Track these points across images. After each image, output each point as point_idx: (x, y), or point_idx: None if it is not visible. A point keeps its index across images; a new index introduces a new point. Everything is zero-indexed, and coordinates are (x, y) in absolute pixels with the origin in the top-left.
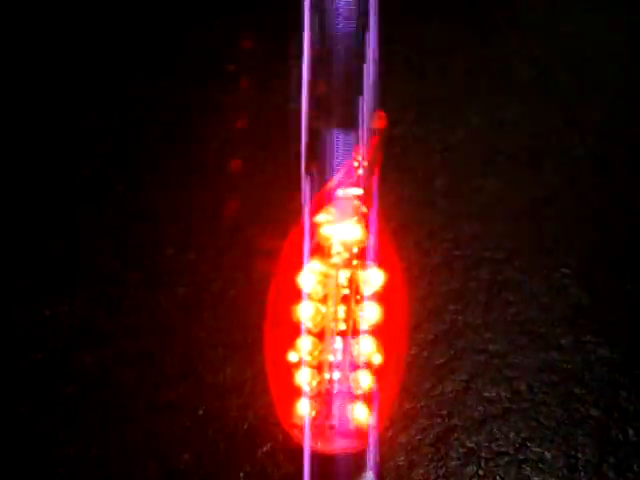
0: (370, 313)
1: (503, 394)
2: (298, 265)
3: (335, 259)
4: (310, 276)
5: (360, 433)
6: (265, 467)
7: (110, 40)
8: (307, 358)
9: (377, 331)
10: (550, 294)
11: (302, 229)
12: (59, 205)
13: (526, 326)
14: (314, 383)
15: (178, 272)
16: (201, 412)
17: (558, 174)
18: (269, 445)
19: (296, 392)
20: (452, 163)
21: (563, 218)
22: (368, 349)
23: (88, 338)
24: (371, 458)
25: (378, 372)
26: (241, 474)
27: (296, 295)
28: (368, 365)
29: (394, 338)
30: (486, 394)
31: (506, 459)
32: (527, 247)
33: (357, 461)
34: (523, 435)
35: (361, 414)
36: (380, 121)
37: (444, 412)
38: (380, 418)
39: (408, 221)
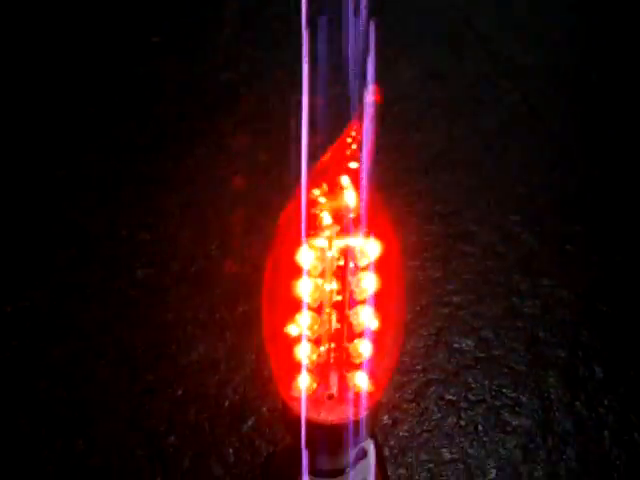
0: (366, 283)
1: (472, 344)
2: (294, 240)
3: (328, 232)
4: (308, 251)
5: (359, 401)
6: (253, 441)
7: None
8: (307, 332)
9: (374, 300)
10: (503, 243)
11: (297, 204)
12: (10, 200)
13: (485, 276)
14: (313, 356)
15: (135, 254)
16: (180, 393)
17: (495, 122)
18: (253, 419)
19: (295, 366)
20: (388, 119)
21: (505, 166)
22: (366, 318)
23: (54, 331)
24: (369, 426)
25: (376, 340)
26: (230, 450)
27: (293, 270)
28: (366, 334)
29: (391, 306)
30: (456, 345)
31: (484, 407)
32: (474, 198)
33: (356, 430)
34: (497, 382)
35: (360, 382)
36: (375, 95)
37: (419, 367)
38: (379, 386)
39: None
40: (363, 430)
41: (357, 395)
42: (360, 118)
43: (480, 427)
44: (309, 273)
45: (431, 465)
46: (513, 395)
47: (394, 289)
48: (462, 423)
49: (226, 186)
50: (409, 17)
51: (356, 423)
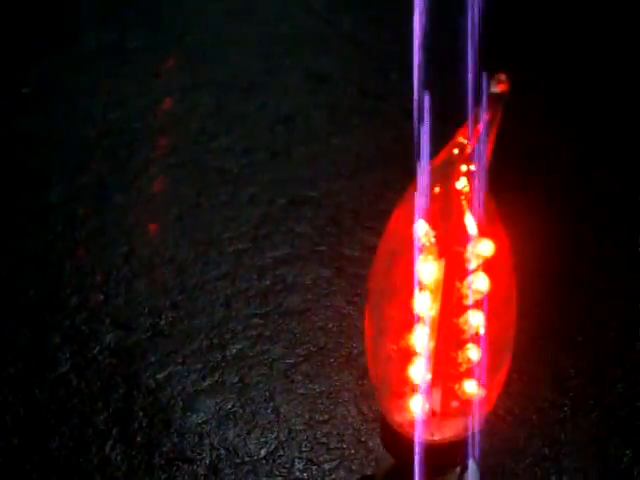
0: (478, 285)
1: None
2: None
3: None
4: (422, 263)
5: (473, 412)
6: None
7: None
8: (417, 349)
9: (485, 303)
10: None
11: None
12: None
13: None
14: (425, 374)
15: None
16: None
17: None
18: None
19: (402, 386)
20: None
21: None
22: (476, 322)
23: None
24: (474, 445)
25: (487, 347)
26: None
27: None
28: (476, 339)
29: (502, 310)
30: None
31: None
32: None
33: (472, 444)
34: None
35: (473, 390)
36: (501, 84)
37: None
38: (490, 397)
39: None
40: (477, 443)
41: (469, 406)
42: (483, 111)
43: None
44: (423, 287)
45: None
46: None
47: (505, 292)
48: None
49: None
50: None
51: (472, 436)
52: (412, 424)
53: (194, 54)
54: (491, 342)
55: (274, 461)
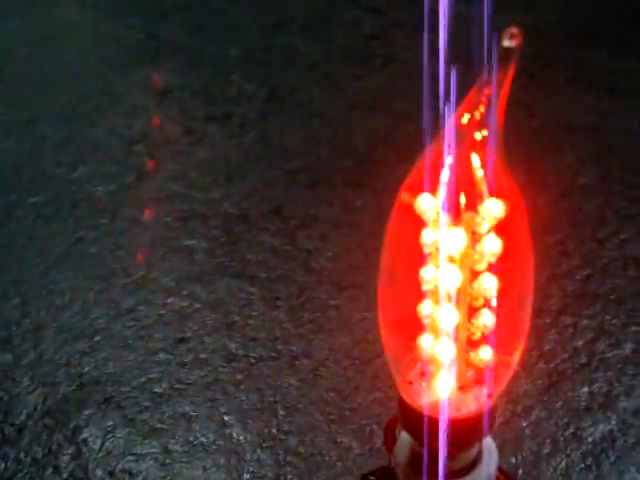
0: (490, 248)
1: None
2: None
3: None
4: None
5: (489, 381)
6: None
7: None
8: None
9: (498, 267)
10: None
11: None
12: None
13: None
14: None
15: None
16: None
17: None
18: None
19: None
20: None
21: None
22: (490, 286)
23: None
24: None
25: (503, 311)
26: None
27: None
28: (490, 304)
29: (518, 272)
30: None
31: None
32: None
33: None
34: None
35: (486, 359)
36: (514, 38)
37: None
38: (508, 363)
39: None
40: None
41: (487, 374)
42: (495, 68)
43: None
44: (432, 257)
45: None
46: None
47: (521, 253)
48: None
49: None
50: None
51: (491, 410)
52: (437, 403)
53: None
54: (507, 306)
55: None
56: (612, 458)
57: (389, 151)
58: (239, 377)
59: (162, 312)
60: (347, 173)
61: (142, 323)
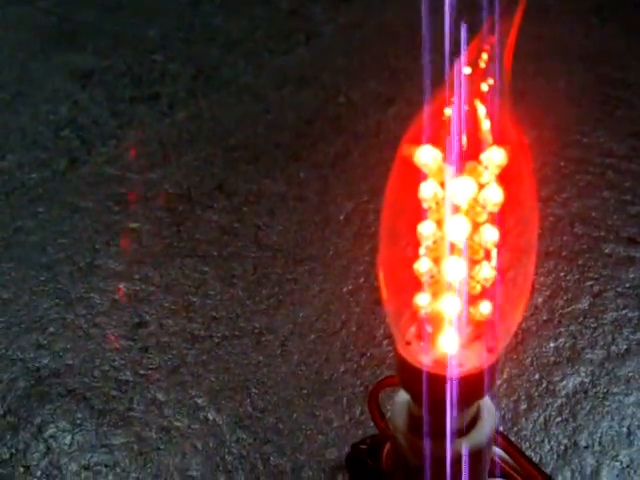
0: (492, 197)
1: None
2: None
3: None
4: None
5: (491, 335)
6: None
7: None
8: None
9: (500, 219)
10: None
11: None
12: None
13: None
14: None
15: None
16: None
17: None
18: None
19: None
20: None
21: None
22: (491, 238)
23: None
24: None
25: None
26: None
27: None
28: (490, 257)
29: (520, 224)
30: None
31: None
32: None
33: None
34: None
35: (486, 313)
36: None
37: None
38: (511, 317)
39: None
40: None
41: (488, 328)
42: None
43: None
44: (432, 211)
45: None
46: None
47: (524, 203)
48: None
49: None
50: None
51: (493, 365)
52: (440, 360)
53: None
54: (509, 259)
55: None
56: (587, 408)
57: (324, 124)
58: (205, 358)
59: (115, 297)
60: (285, 147)
61: (96, 310)
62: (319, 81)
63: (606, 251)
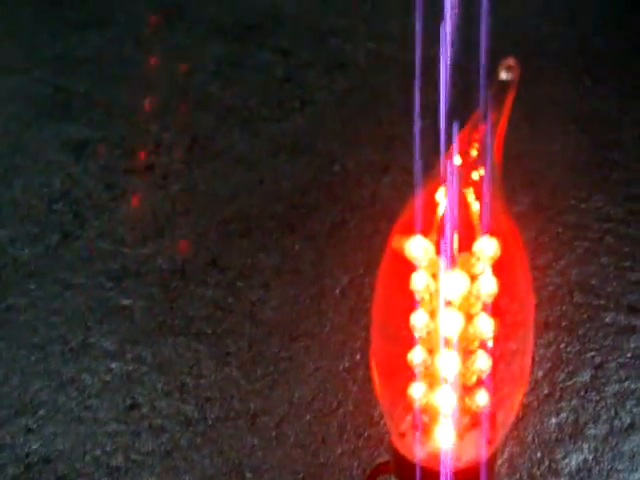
0: (486, 288)
1: None
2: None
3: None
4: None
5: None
6: None
7: None
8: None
9: (494, 308)
10: None
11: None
12: None
13: None
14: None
15: None
16: None
17: None
18: None
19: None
20: None
21: None
22: (486, 330)
23: None
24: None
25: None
26: None
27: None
28: (485, 347)
29: (516, 314)
30: None
31: None
32: None
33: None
34: None
35: (482, 404)
36: (511, 71)
37: None
38: (509, 407)
39: None
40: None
41: (485, 419)
42: (491, 103)
43: None
44: (424, 303)
45: None
46: None
47: (519, 292)
48: None
49: None
50: None
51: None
52: (435, 453)
53: None
54: (505, 348)
55: None
56: None
57: (318, 193)
58: (199, 441)
59: (107, 378)
60: (280, 218)
61: (87, 392)
62: (314, 149)
63: (607, 320)
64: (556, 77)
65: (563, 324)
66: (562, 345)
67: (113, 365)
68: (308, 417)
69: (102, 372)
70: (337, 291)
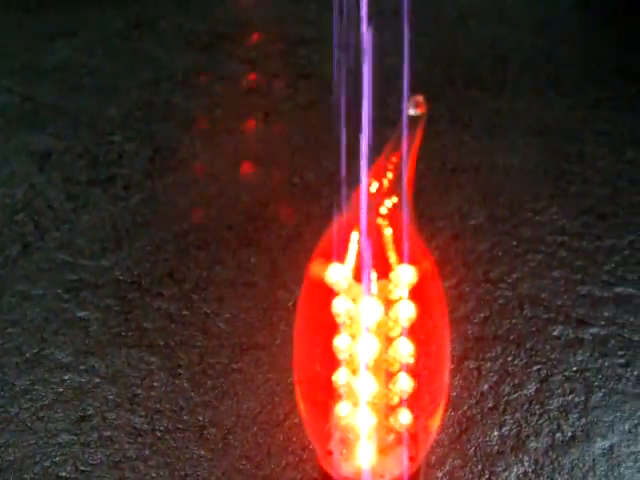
0: (404, 313)
1: None
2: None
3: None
4: (342, 302)
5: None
6: None
7: None
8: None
9: (413, 332)
10: None
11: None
12: None
13: None
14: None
15: None
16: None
17: None
18: None
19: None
20: None
21: None
22: (406, 352)
23: None
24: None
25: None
26: None
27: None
28: (407, 369)
29: (433, 337)
30: None
31: None
32: None
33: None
34: None
35: (405, 422)
36: (419, 106)
37: None
38: (429, 424)
39: None
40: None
41: (408, 437)
42: (401, 136)
43: None
44: (346, 326)
45: None
46: None
47: (436, 317)
48: None
49: None
50: None
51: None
52: (358, 471)
53: None
54: (424, 369)
55: None
56: None
57: (278, 205)
58: (147, 453)
59: (60, 390)
60: (237, 230)
61: (40, 403)
62: (274, 161)
63: (555, 333)
64: (520, 89)
65: (511, 337)
66: (509, 358)
67: (66, 377)
68: (255, 429)
69: (55, 383)
70: (290, 304)
